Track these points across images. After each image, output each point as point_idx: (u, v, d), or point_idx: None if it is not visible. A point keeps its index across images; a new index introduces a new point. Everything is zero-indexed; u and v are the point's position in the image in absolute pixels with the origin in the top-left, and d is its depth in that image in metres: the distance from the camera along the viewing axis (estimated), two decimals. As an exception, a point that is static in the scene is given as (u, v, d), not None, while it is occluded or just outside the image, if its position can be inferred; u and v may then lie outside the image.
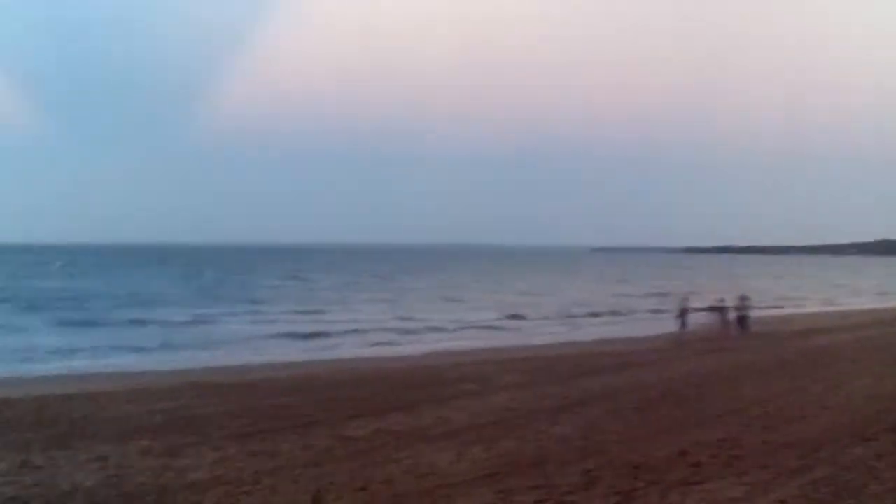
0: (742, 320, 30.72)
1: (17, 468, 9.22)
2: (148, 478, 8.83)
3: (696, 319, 30.59)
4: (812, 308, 49.52)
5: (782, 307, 48.07)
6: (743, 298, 31.56)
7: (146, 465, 9.45)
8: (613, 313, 44.42)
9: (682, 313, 29.21)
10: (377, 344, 29.04)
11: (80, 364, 22.68)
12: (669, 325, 30.08)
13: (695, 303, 31.58)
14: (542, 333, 33.18)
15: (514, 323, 37.82)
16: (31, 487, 8.39)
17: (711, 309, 31.75)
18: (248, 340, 29.40)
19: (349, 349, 27.27)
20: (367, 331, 32.59)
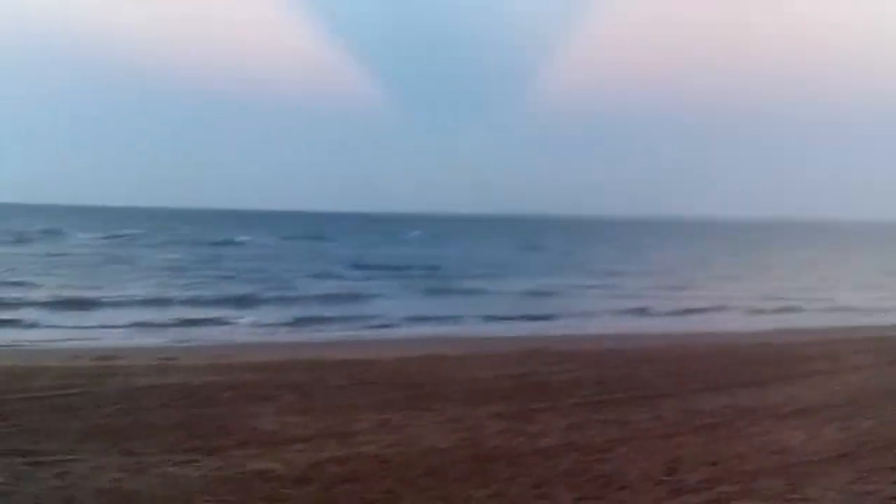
0: None
1: (378, 427, 10.07)
2: (500, 441, 9.44)
3: None
4: None
5: None
6: None
7: (498, 428, 10.08)
8: None
9: None
10: (725, 320, 28.49)
11: (431, 330, 24.11)
12: None
13: None
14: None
15: (873, 304, 35.62)
16: (391, 446, 9.15)
17: None
18: (593, 311, 29.84)
19: (695, 324, 26.99)
20: (715, 308, 31.95)
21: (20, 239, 68.62)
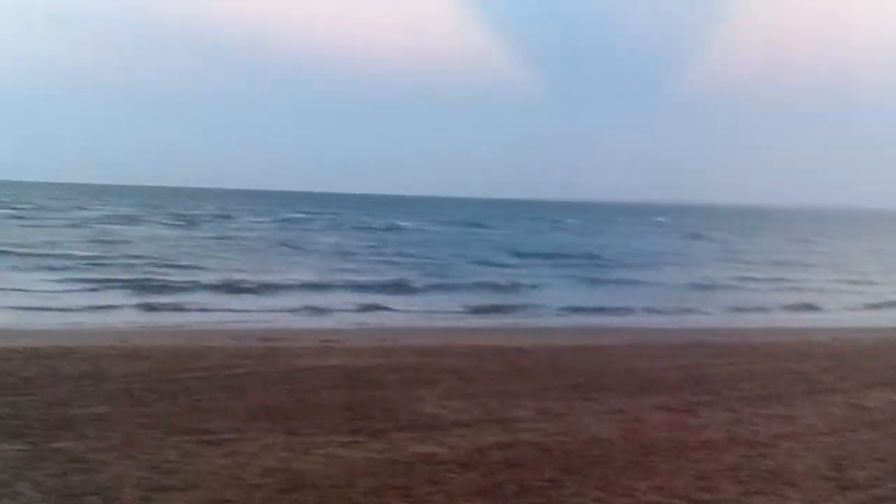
0: None
1: (538, 415, 10.07)
2: (664, 433, 9.32)
3: None
4: None
5: None
6: None
7: (661, 420, 9.98)
8: None
9: None
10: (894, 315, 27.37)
11: (589, 319, 24.03)
12: None
13: None
14: None
15: None
16: (552, 434, 9.13)
17: None
18: (756, 303, 29.17)
19: (863, 318, 26.03)
20: (884, 302, 30.70)
21: (191, 222, 71.28)
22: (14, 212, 73.53)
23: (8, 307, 21.84)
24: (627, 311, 26.24)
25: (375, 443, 8.58)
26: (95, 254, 37.72)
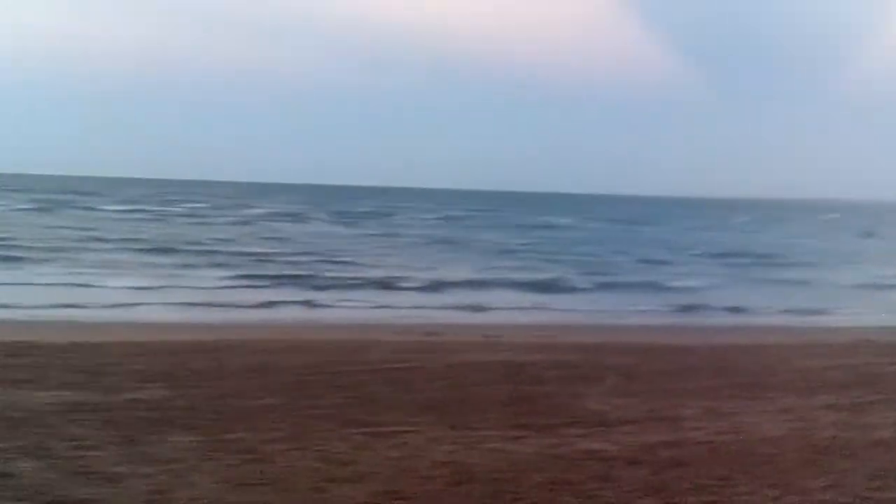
0: None
1: (705, 413, 9.98)
2: (833, 432, 9.14)
3: None
4: None
5: None
6: None
7: (830, 419, 9.77)
8: None
9: None
10: None
11: (753, 319, 23.58)
12: None
13: None
14: None
15: None
16: (721, 433, 9.03)
17: None
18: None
19: None
20: None
21: (355, 219, 72.53)
22: (186, 209, 76.32)
23: (180, 303, 22.75)
24: (794, 310, 25.61)
25: (541, 438, 8.63)
26: (262, 250, 38.88)
